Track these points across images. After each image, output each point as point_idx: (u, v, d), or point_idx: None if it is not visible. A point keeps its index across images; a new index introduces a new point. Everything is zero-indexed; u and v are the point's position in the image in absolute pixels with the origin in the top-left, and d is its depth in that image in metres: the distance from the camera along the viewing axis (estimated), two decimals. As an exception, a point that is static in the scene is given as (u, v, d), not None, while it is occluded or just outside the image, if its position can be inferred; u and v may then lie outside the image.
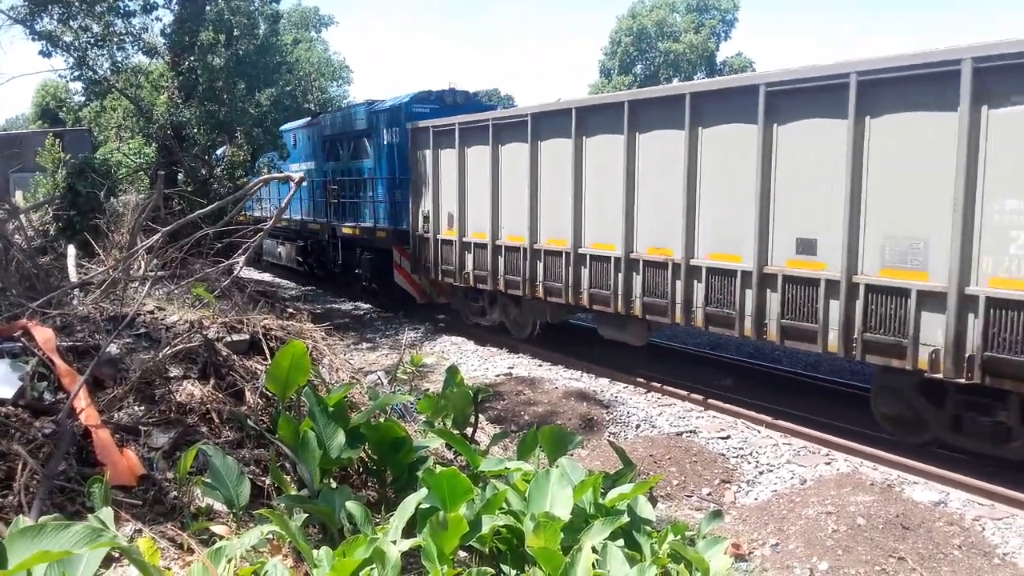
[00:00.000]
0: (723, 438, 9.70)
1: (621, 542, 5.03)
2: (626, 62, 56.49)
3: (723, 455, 9.14)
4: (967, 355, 7.80)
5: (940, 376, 8.02)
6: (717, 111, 10.12)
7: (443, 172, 15.83)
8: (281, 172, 18.20)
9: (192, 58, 17.66)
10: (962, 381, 7.87)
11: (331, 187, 20.46)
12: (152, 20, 18.91)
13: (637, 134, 11.24)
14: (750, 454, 9.19)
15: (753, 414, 10.34)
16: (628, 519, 5.22)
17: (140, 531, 4.48)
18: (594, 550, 4.62)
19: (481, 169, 14.63)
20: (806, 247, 9.15)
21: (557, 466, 5.58)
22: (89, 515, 4.24)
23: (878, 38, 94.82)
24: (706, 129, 10.24)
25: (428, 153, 16.10)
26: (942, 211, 7.87)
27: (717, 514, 6.31)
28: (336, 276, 21.83)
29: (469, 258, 15.19)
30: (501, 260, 14.28)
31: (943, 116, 7.83)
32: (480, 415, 7.98)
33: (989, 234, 7.62)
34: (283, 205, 11.24)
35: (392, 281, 17.97)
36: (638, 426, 10.28)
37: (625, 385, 12.13)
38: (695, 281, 10.45)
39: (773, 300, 9.46)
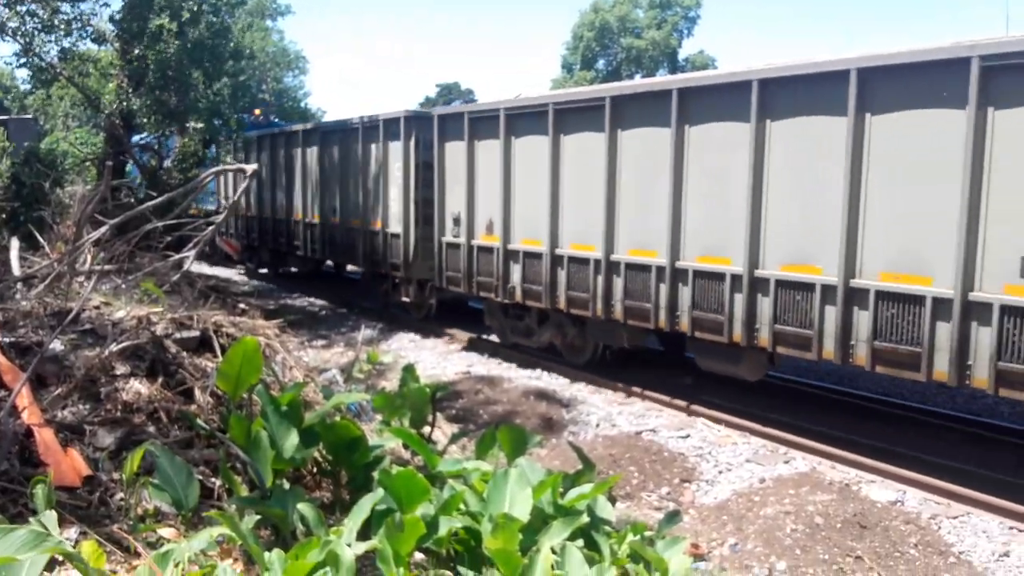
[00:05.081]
0: (683, 437, 9.70)
1: (580, 542, 4.95)
2: (588, 57, 56.45)
3: (683, 454, 9.13)
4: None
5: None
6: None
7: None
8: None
9: (142, 45, 17.22)
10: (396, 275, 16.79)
11: None
12: (100, 6, 18.46)
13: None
14: (709, 453, 9.20)
15: (713, 413, 10.36)
16: (587, 519, 5.14)
17: (85, 533, 4.30)
18: (553, 551, 4.54)
19: (274, 167, 21.61)
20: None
21: (516, 466, 5.49)
22: (31, 517, 4.06)
23: (839, 37, 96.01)
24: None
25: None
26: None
27: (676, 514, 6.27)
28: None
29: (263, 228, 22.85)
30: (277, 228, 21.87)
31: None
32: (438, 414, 7.86)
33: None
34: (235, 198, 11.02)
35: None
36: (598, 425, 10.24)
37: (584, 384, 12.09)
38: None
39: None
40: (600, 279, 11.33)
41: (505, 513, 4.73)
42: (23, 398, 5.13)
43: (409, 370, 7.29)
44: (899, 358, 8.25)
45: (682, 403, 10.81)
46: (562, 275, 11.99)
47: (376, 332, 16.20)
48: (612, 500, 6.15)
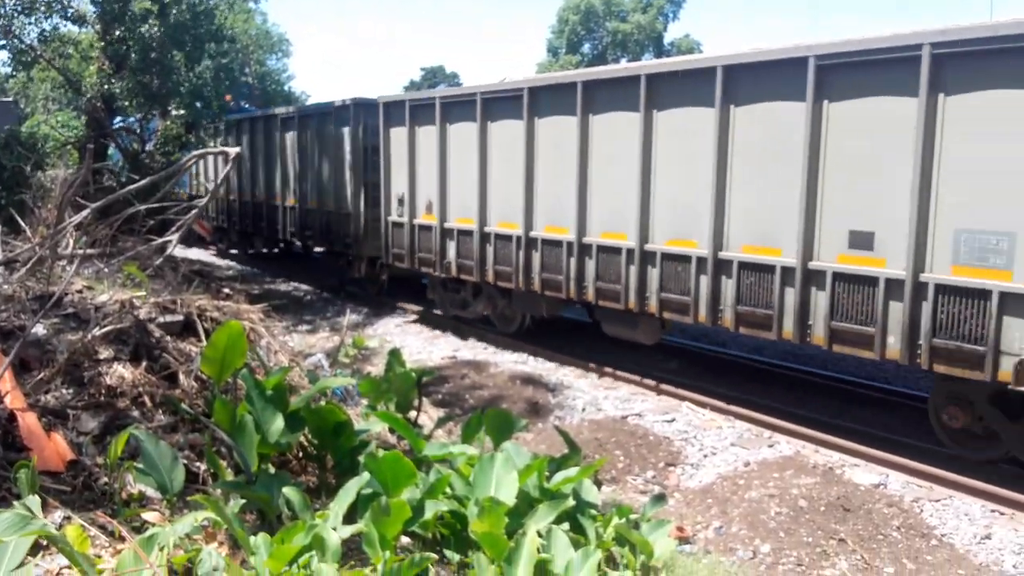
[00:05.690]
0: (668, 421, 9.72)
1: (566, 526, 4.98)
2: (573, 41, 56.09)
3: (668, 438, 9.16)
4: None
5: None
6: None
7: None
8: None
9: (123, 27, 17.00)
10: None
11: None
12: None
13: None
14: (694, 437, 9.22)
15: (698, 397, 10.40)
16: (573, 503, 5.17)
17: (69, 518, 4.27)
18: (539, 534, 4.56)
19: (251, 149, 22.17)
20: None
21: (502, 450, 5.50)
22: (15, 502, 4.04)
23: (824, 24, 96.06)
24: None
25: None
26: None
27: (661, 497, 6.31)
28: None
29: (231, 210, 23.43)
30: (244, 210, 22.67)
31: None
32: (424, 399, 7.86)
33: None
34: (220, 180, 10.94)
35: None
36: (584, 409, 10.25)
37: (571, 368, 12.10)
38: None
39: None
40: (521, 254, 12.45)
41: (491, 497, 4.75)
42: (6, 382, 5.09)
43: (395, 355, 7.29)
44: (757, 320, 9.31)
45: (668, 387, 10.85)
46: (490, 251, 13.09)
47: (362, 317, 16.15)
48: (598, 484, 6.18)
